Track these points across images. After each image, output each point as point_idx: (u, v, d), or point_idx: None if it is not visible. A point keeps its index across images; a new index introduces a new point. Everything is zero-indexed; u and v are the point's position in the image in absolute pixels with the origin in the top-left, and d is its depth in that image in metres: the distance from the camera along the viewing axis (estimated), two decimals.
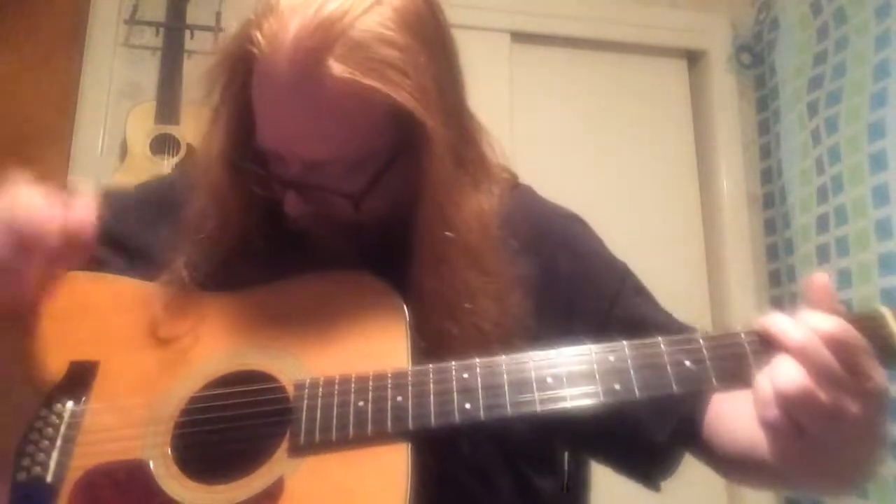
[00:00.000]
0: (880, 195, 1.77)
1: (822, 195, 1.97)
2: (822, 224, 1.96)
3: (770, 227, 2.32)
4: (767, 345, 0.61)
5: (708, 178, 2.41)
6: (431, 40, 0.76)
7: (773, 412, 0.57)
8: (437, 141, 0.73)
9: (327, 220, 0.79)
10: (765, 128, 2.36)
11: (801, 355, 0.56)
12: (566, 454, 0.95)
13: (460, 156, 0.80)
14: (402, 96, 0.71)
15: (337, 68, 0.70)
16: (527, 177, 0.99)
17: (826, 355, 0.56)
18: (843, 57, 1.94)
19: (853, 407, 0.56)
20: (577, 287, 0.86)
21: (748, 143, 2.40)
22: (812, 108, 2.03)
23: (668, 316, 0.88)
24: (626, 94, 2.44)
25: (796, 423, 0.56)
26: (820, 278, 0.61)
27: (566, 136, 2.36)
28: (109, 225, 0.92)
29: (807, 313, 0.59)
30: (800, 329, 0.57)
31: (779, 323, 0.59)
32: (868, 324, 0.60)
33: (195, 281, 0.81)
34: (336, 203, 0.77)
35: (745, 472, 0.76)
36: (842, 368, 0.56)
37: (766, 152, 2.35)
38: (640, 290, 0.89)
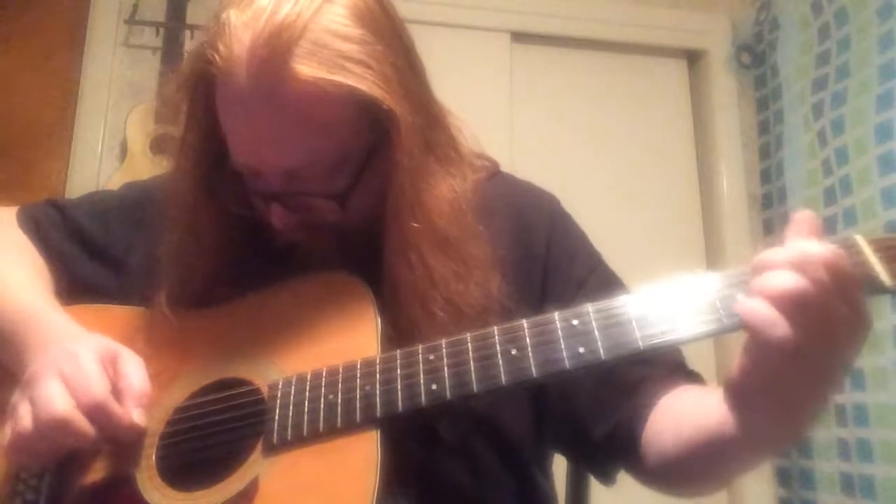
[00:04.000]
0: (889, 197, 1.77)
1: (830, 196, 1.96)
2: (830, 225, 1.95)
3: (769, 227, 2.32)
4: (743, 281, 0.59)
5: (708, 178, 2.41)
6: (385, 31, 0.76)
7: (764, 309, 0.55)
8: (406, 127, 0.74)
9: (314, 227, 0.79)
10: (764, 128, 2.36)
11: (799, 268, 0.55)
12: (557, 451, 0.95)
13: (429, 141, 0.80)
14: (368, 86, 0.71)
15: (300, 70, 0.70)
16: (527, 176, 0.99)
17: (825, 273, 0.54)
18: (847, 58, 1.94)
19: (845, 330, 0.55)
20: (550, 271, 0.86)
21: (748, 143, 2.40)
22: (817, 110, 2.02)
23: None
24: (626, 94, 2.44)
25: (786, 320, 0.54)
26: (807, 213, 0.59)
27: (566, 136, 2.36)
28: (93, 233, 0.93)
29: (796, 240, 0.57)
30: (795, 250, 0.56)
31: (772, 251, 0.57)
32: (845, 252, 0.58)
33: (179, 308, 0.81)
34: (321, 207, 0.77)
35: (693, 464, 0.72)
36: (839, 289, 0.55)
37: (765, 152, 2.35)
38: (607, 282, 0.88)
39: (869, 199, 1.82)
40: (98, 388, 0.69)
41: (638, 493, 0.87)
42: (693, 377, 0.81)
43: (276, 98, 0.71)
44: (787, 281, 0.54)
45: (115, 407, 0.70)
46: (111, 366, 0.73)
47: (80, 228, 0.94)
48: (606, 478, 0.85)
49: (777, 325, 0.54)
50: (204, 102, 0.76)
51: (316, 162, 0.75)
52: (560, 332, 0.66)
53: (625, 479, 0.86)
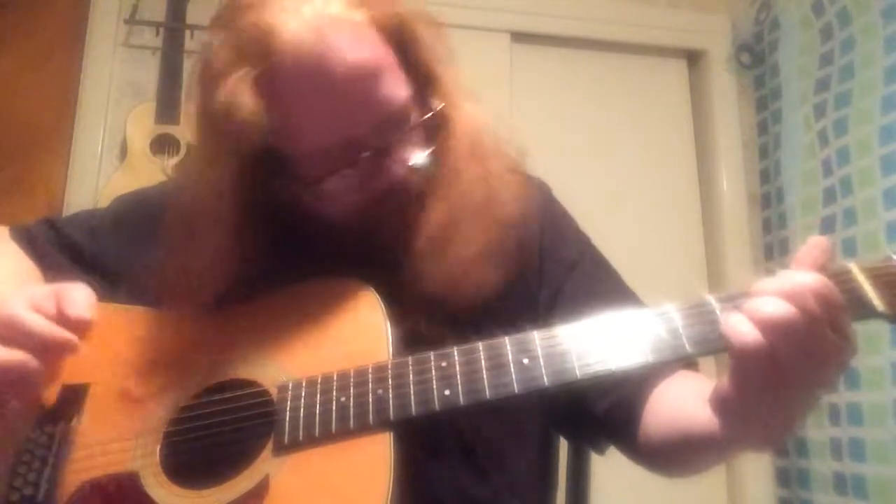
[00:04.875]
0: (892, 198, 1.77)
1: (829, 196, 1.96)
2: (828, 225, 1.95)
3: (768, 226, 2.32)
4: (738, 306, 0.61)
5: (708, 178, 2.41)
6: None
7: (752, 336, 0.56)
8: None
9: (377, 196, 0.79)
10: (764, 128, 2.36)
11: (790, 298, 0.57)
12: (558, 442, 0.97)
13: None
14: (395, 12, 0.78)
15: (359, 13, 0.74)
16: None
17: (815, 304, 0.57)
18: (851, 59, 1.94)
19: (832, 354, 0.58)
20: (545, 257, 0.89)
21: (748, 143, 2.40)
22: (819, 110, 2.02)
23: (624, 290, 0.90)
24: (626, 94, 2.44)
25: (776, 352, 0.56)
26: (822, 240, 0.62)
27: (566, 136, 2.36)
28: (85, 246, 0.94)
29: (788, 272, 0.59)
30: (786, 281, 0.58)
31: (765, 281, 0.60)
32: (837, 279, 0.61)
33: (186, 309, 0.81)
34: (415, 145, 0.79)
35: (675, 452, 0.76)
36: (828, 318, 0.57)
37: (764, 152, 2.35)
38: (597, 265, 0.92)
39: (870, 199, 1.82)
40: (6, 309, 0.69)
41: (638, 476, 0.88)
42: (689, 363, 0.84)
43: (358, 46, 0.73)
44: (775, 308, 0.56)
45: (24, 315, 0.69)
46: (51, 299, 0.72)
47: (72, 242, 0.94)
48: (599, 449, 0.89)
49: (761, 349, 0.56)
50: (262, 102, 0.73)
51: (407, 96, 0.77)
52: (571, 345, 0.67)
53: (624, 466, 0.87)
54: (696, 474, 0.79)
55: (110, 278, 0.91)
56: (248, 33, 0.73)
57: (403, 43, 0.78)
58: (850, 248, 1.88)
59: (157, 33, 2.13)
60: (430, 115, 0.79)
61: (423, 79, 0.79)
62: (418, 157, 0.79)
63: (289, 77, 0.72)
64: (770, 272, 0.61)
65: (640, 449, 0.80)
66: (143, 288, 0.84)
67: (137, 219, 0.93)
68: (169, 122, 2.04)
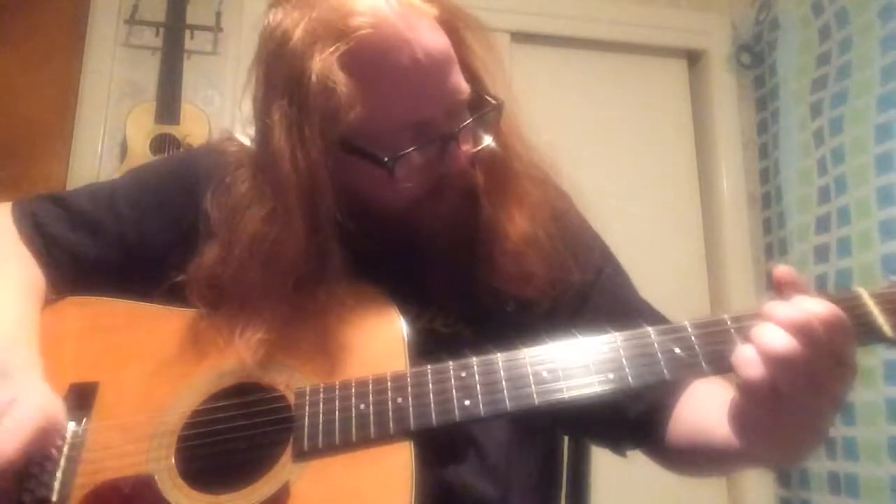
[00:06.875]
0: (885, 196, 1.77)
1: (824, 195, 1.97)
2: (823, 224, 1.96)
3: (768, 226, 2.32)
4: (747, 330, 0.62)
5: (708, 177, 2.41)
6: None
7: (757, 370, 0.58)
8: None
9: (445, 183, 0.80)
10: (764, 127, 2.37)
11: (797, 329, 0.58)
12: (566, 445, 0.97)
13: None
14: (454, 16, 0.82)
15: (433, 9, 0.78)
16: None
17: (822, 334, 0.58)
18: (848, 58, 1.95)
19: (831, 383, 0.59)
20: (571, 265, 0.89)
21: (748, 143, 2.40)
22: (815, 109, 2.03)
23: (642, 299, 0.91)
24: (626, 94, 2.44)
25: (776, 384, 0.58)
26: (781, 269, 0.63)
27: (566, 136, 2.34)
28: (101, 218, 0.91)
29: (801, 298, 0.60)
30: (797, 309, 0.59)
31: (776, 305, 0.61)
32: (847, 304, 0.62)
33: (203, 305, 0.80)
34: (488, 124, 0.82)
35: (697, 459, 0.78)
36: (831, 348, 0.58)
37: (764, 152, 2.36)
38: (619, 270, 0.94)
39: (864, 197, 1.83)
40: None
41: (638, 477, 0.88)
42: None
43: (435, 34, 0.76)
44: (781, 341, 0.58)
45: None
46: None
47: (84, 213, 0.91)
48: (622, 451, 0.88)
49: (764, 381, 0.58)
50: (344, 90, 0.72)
51: (468, 88, 0.80)
52: (590, 358, 0.68)
53: (624, 466, 0.87)
54: (720, 477, 0.81)
55: (131, 249, 0.89)
56: (327, 12, 0.74)
57: (456, 45, 0.80)
58: (844, 247, 1.88)
59: (157, 33, 2.13)
60: (489, 109, 0.81)
61: (472, 81, 0.82)
62: (481, 143, 0.81)
63: (376, 54, 0.74)
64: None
65: (664, 452, 0.81)
66: (183, 259, 0.81)
67: (163, 189, 0.91)
68: (169, 122, 2.04)
